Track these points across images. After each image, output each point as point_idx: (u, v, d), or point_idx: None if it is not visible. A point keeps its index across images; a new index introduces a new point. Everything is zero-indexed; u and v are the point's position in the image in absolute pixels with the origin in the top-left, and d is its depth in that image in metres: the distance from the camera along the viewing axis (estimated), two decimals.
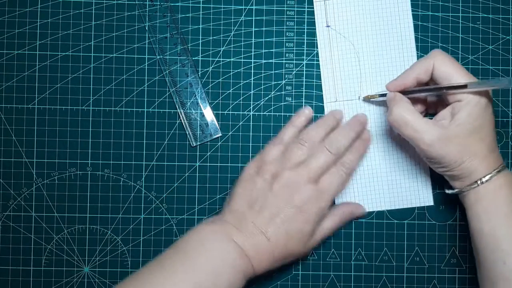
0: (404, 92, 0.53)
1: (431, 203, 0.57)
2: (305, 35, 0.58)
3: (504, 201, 0.49)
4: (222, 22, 0.58)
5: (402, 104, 0.51)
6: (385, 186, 0.58)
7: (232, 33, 0.58)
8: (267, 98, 0.58)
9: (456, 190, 0.52)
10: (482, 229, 0.49)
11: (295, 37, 0.58)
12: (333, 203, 0.56)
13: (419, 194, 0.58)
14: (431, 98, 0.56)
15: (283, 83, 0.58)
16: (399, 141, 0.57)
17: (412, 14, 0.58)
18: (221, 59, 0.58)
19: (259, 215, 0.50)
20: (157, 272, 0.46)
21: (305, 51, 0.58)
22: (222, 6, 0.58)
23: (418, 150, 0.51)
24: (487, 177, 0.49)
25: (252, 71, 0.58)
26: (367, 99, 0.57)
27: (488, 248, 0.49)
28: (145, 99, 0.57)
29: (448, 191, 0.53)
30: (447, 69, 0.50)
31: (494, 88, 0.49)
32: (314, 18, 0.58)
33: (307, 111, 0.56)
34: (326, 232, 0.54)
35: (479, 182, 0.50)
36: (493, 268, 0.48)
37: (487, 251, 0.49)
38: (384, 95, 0.55)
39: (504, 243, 0.48)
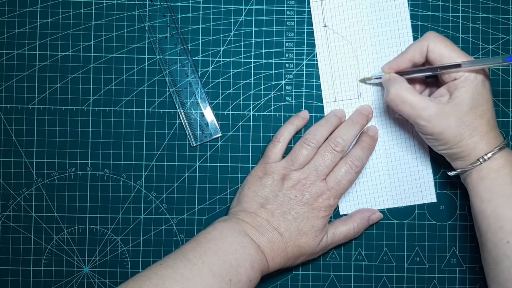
0: (400, 73, 0.54)
1: (434, 199, 0.57)
2: (305, 35, 0.58)
3: (506, 180, 0.49)
4: (222, 22, 0.58)
5: (398, 83, 0.52)
6: (388, 184, 0.58)
7: (232, 33, 0.58)
8: (267, 98, 0.58)
9: (458, 170, 0.52)
10: (485, 210, 0.49)
11: (295, 37, 0.58)
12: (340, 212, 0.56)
13: (422, 192, 0.57)
14: (428, 79, 0.56)
15: (283, 83, 0.58)
16: (399, 124, 0.57)
17: (412, 14, 0.58)
18: (221, 59, 0.58)
19: (271, 213, 0.52)
20: (180, 261, 0.47)
21: (305, 51, 0.58)
22: (222, 6, 0.58)
23: (417, 128, 0.52)
24: (489, 155, 0.49)
25: (252, 71, 0.58)
26: (363, 81, 0.57)
27: (491, 228, 0.49)
28: (145, 99, 0.57)
29: (450, 173, 0.53)
30: (441, 49, 0.50)
31: (488, 66, 0.49)
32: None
33: (304, 114, 0.57)
34: (340, 236, 0.55)
35: (481, 160, 0.49)
36: (496, 248, 0.48)
37: (490, 232, 0.49)
38: (380, 77, 0.55)
39: (507, 222, 0.48)
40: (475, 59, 0.49)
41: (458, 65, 0.49)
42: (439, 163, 0.58)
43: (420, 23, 0.58)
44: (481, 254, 0.51)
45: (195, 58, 0.57)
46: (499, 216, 0.48)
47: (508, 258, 0.47)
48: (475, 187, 0.50)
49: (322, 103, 0.58)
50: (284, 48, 0.58)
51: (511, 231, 0.47)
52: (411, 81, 0.54)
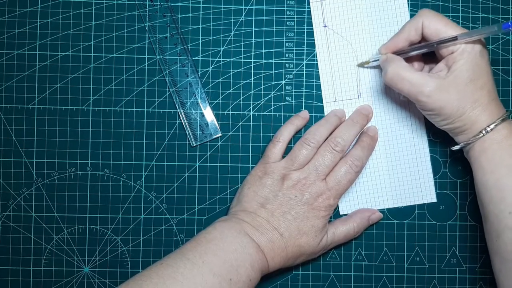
0: (397, 54, 0.54)
1: (434, 200, 0.57)
2: (305, 35, 0.58)
3: (509, 151, 0.48)
4: (222, 22, 0.58)
5: (395, 62, 0.52)
6: (388, 184, 0.58)
7: (232, 33, 0.58)
8: (267, 98, 0.58)
9: (461, 144, 0.51)
10: (487, 181, 0.49)
11: (295, 37, 0.58)
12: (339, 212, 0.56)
13: (422, 192, 0.57)
14: (426, 57, 0.55)
15: (283, 83, 0.58)
16: (399, 124, 0.57)
17: (412, 14, 0.58)
18: (221, 59, 0.58)
19: (271, 213, 0.52)
20: (181, 261, 0.48)
21: (305, 51, 0.58)
22: (222, 6, 0.58)
23: (419, 105, 0.51)
24: (492, 126, 0.49)
25: (252, 71, 0.58)
26: (362, 65, 0.57)
27: (493, 200, 0.48)
28: (145, 99, 0.57)
29: (454, 148, 0.53)
30: (436, 25, 0.50)
31: (484, 35, 0.48)
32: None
33: (304, 114, 0.57)
34: (340, 235, 0.55)
35: (483, 131, 0.49)
36: (498, 220, 0.48)
37: (492, 204, 0.49)
38: (378, 60, 0.55)
39: (509, 193, 0.48)
40: (471, 30, 0.49)
41: (454, 38, 0.49)
42: (439, 163, 0.58)
43: None
44: (484, 228, 0.51)
45: (195, 58, 0.58)
46: (501, 187, 0.48)
47: (510, 230, 0.47)
48: (478, 159, 0.50)
49: (322, 103, 0.58)
50: (284, 48, 0.58)
51: None
52: (409, 60, 0.54)
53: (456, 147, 0.52)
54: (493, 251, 0.49)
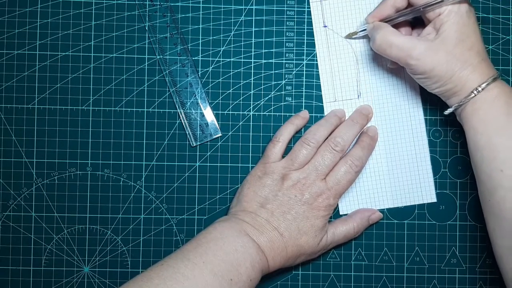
0: (384, 21, 0.53)
1: (434, 200, 0.57)
2: (305, 35, 0.58)
3: (500, 110, 0.48)
4: (222, 22, 0.58)
5: (382, 28, 0.52)
6: (388, 184, 0.58)
7: (232, 33, 0.58)
8: (267, 98, 0.58)
9: (453, 106, 0.51)
10: (479, 141, 0.49)
11: (295, 37, 0.58)
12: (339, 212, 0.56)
13: (422, 192, 0.57)
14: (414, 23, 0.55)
15: (283, 83, 0.58)
16: (400, 124, 0.57)
17: None
18: (221, 59, 0.58)
19: (271, 213, 0.52)
20: (181, 261, 0.48)
21: (305, 51, 0.58)
22: (222, 6, 0.58)
23: (409, 69, 0.51)
24: (483, 85, 0.49)
25: (252, 71, 0.58)
26: (349, 37, 0.57)
27: (485, 160, 0.49)
28: (145, 99, 0.57)
29: (446, 112, 0.52)
30: None
31: None
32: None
33: (304, 113, 0.57)
34: (340, 235, 0.55)
35: (475, 92, 0.49)
36: (490, 179, 0.48)
37: (484, 163, 0.49)
38: (365, 29, 0.55)
39: (501, 152, 0.48)
40: None
41: (440, 1, 0.49)
42: (439, 163, 0.58)
43: None
44: (478, 189, 0.51)
45: (195, 58, 0.58)
46: (492, 147, 0.48)
47: (502, 187, 0.48)
48: (469, 120, 0.50)
49: (322, 103, 0.58)
50: (284, 48, 0.58)
51: (504, 160, 0.47)
52: (396, 27, 0.54)
53: (449, 111, 0.52)
54: (487, 212, 0.50)
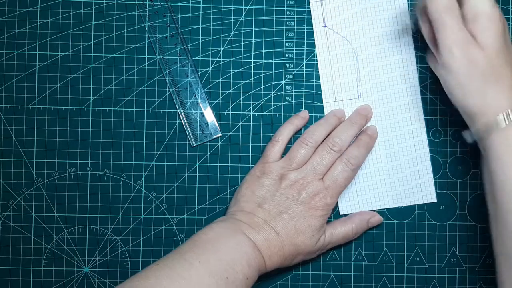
0: None
1: (434, 200, 0.57)
2: (305, 35, 0.58)
3: None
4: (222, 22, 0.58)
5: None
6: (388, 184, 0.58)
7: (232, 33, 0.58)
8: (267, 98, 0.58)
9: (477, 128, 0.46)
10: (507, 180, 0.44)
11: (295, 37, 0.58)
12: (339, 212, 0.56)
13: (422, 192, 0.57)
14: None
15: (283, 83, 0.58)
16: (400, 124, 0.57)
17: (412, 14, 0.57)
18: (221, 59, 0.58)
19: (268, 213, 0.52)
20: (178, 261, 0.48)
21: (305, 51, 0.58)
22: (222, 6, 0.58)
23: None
24: None
25: (252, 71, 0.58)
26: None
27: None
28: (145, 99, 0.57)
29: (466, 136, 0.48)
30: None
31: None
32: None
33: (304, 113, 0.57)
34: (339, 236, 0.55)
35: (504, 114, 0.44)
36: None
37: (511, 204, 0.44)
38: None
39: None
40: None
41: None
42: (439, 163, 0.58)
43: None
44: (492, 227, 0.48)
45: (195, 58, 0.58)
46: None
47: None
48: (500, 154, 0.45)
49: (322, 103, 0.58)
50: (284, 48, 0.58)
51: None
52: None
53: (470, 139, 0.48)
54: (501, 253, 0.48)
